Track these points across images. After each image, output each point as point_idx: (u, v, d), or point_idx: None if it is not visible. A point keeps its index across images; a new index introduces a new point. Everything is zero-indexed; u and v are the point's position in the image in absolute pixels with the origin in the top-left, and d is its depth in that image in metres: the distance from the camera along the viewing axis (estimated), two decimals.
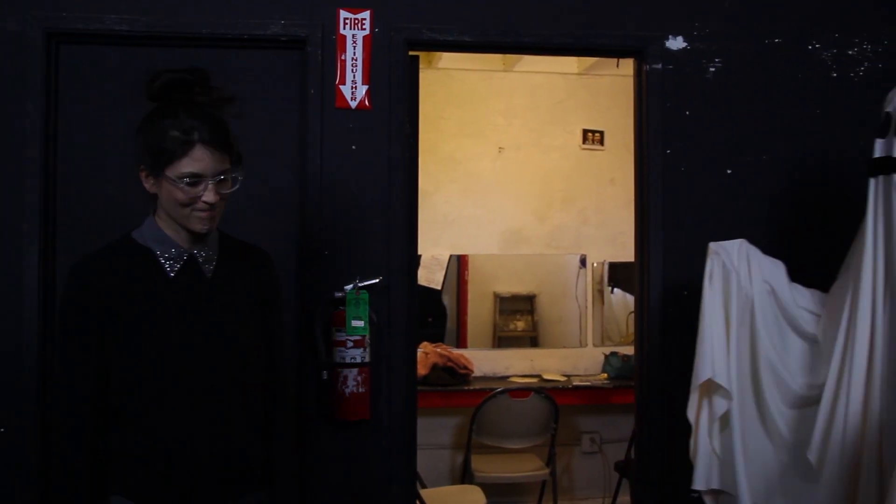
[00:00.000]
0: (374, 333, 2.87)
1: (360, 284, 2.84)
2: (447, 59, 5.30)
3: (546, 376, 5.24)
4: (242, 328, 1.95)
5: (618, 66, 4.01)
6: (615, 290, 5.67)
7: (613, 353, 5.33)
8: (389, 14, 2.94)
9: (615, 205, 5.52)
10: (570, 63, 5.47)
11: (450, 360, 4.97)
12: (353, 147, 2.92)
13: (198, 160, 1.79)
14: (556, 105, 5.62)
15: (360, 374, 2.81)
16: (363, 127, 2.92)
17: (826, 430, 2.26)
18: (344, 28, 2.90)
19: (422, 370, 4.81)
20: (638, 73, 3.13)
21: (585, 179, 5.63)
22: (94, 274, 1.84)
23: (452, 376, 4.94)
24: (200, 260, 1.91)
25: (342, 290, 2.84)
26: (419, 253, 4.76)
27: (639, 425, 3.15)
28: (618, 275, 5.58)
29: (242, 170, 1.91)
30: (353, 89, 2.90)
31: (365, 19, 2.91)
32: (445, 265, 5.49)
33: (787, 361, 2.44)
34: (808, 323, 2.45)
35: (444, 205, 5.47)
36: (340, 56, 2.90)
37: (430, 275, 5.44)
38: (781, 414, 2.42)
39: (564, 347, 5.56)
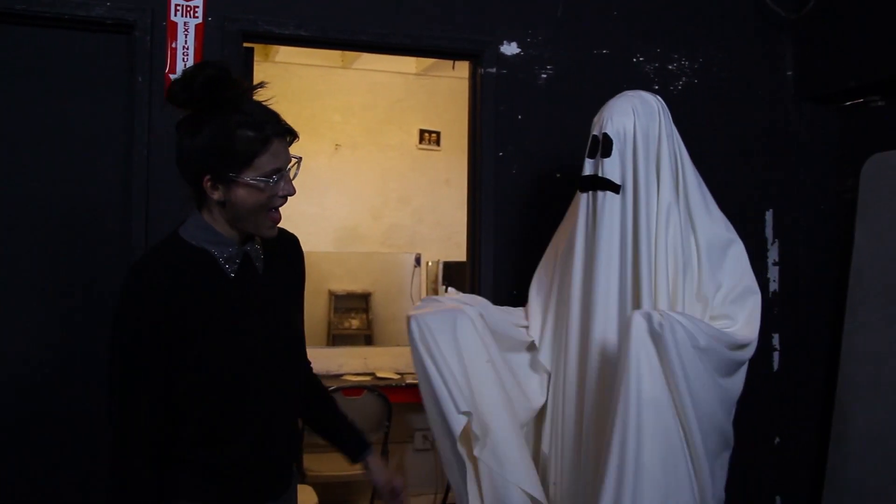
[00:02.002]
0: None
1: None
2: (285, 53, 5.21)
3: (380, 374, 5.24)
4: (294, 320, 1.91)
5: (454, 68, 4.09)
6: (449, 289, 5.80)
7: None
8: (224, 3, 2.85)
9: (450, 205, 5.59)
10: (408, 63, 5.50)
11: None
12: None
13: (276, 154, 1.72)
14: (394, 104, 5.65)
15: None
16: None
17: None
18: (175, 15, 2.79)
19: None
20: (473, 77, 3.19)
21: (421, 179, 5.69)
22: (161, 275, 1.69)
23: None
24: (253, 257, 1.82)
25: None
26: None
27: None
28: (452, 274, 5.65)
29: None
30: None
31: (198, 7, 2.81)
32: None
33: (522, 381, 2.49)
34: (523, 335, 2.54)
35: None
36: (171, 44, 2.79)
37: None
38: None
39: (399, 345, 5.58)
